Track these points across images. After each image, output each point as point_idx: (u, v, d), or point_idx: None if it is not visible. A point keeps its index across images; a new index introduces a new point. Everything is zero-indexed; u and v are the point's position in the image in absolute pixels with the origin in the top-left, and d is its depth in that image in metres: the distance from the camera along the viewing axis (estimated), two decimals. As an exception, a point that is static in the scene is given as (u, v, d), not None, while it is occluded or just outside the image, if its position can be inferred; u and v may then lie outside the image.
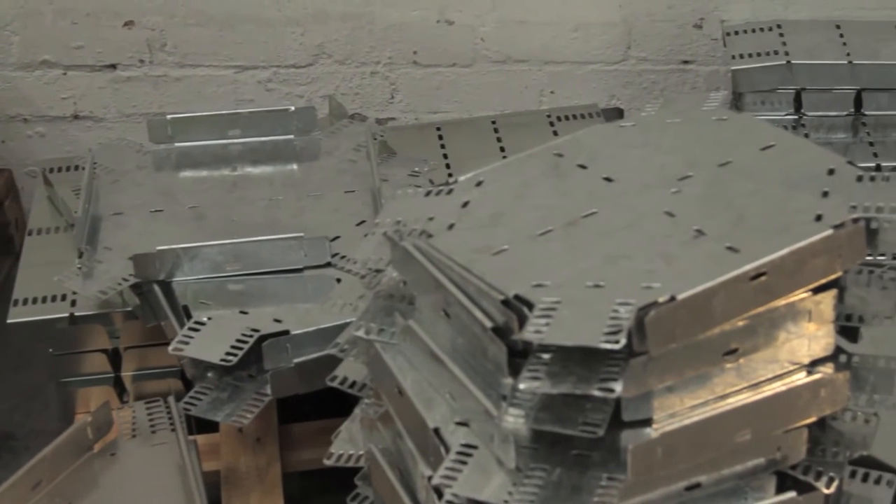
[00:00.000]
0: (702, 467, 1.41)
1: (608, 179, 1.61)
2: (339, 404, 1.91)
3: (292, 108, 2.59)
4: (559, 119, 2.88)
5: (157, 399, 2.10)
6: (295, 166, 2.52)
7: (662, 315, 1.27)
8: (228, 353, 1.93)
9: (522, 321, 1.31)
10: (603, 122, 2.68)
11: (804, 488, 1.46)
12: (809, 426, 1.46)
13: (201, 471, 1.96)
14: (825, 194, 1.45)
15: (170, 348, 1.97)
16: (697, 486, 1.42)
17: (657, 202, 1.52)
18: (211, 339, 1.97)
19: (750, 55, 2.82)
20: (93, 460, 1.98)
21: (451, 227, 1.56)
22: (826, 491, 1.46)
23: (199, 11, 3.05)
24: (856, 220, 1.39)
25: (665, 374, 1.34)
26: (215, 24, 3.07)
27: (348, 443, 1.75)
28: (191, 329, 1.99)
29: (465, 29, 3.11)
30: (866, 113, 2.79)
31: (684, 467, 1.39)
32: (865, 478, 1.53)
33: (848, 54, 2.80)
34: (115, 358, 2.26)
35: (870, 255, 1.45)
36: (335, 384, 1.74)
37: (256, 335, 1.97)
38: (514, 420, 1.34)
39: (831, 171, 1.50)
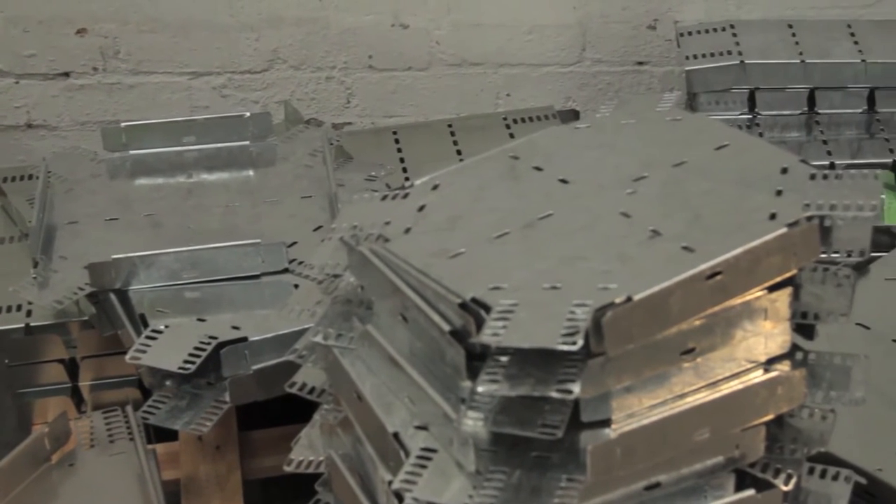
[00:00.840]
0: (661, 467, 1.42)
1: (564, 181, 1.61)
2: (298, 410, 1.91)
3: (247, 113, 2.58)
4: (515, 121, 2.89)
5: (114, 408, 2.09)
6: (251, 172, 2.51)
7: (619, 316, 1.28)
8: (186, 361, 1.92)
9: (480, 324, 1.31)
10: (559, 123, 2.68)
11: (763, 486, 1.47)
12: (767, 424, 1.47)
13: (161, 480, 1.95)
14: (779, 193, 1.45)
15: (127, 357, 1.96)
16: (657, 485, 1.42)
17: (613, 203, 1.52)
18: (168, 348, 1.96)
19: (703, 55, 2.84)
20: (51, 471, 1.96)
21: (407, 231, 1.56)
22: (784, 488, 1.46)
23: (153, 18, 3.04)
24: (809, 219, 1.40)
25: (623, 374, 1.34)
26: (169, 30, 3.06)
27: (308, 449, 1.75)
28: (148, 337, 1.98)
29: (419, 32, 3.11)
30: (819, 111, 2.82)
31: (644, 467, 1.39)
32: (823, 474, 1.54)
33: (801, 53, 2.82)
34: (72, 368, 2.25)
35: (824, 252, 1.46)
36: (294, 390, 1.74)
37: (214, 342, 1.96)
38: (474, 423, 1.33)
39: (785, 170, 1.51)
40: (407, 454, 1.44)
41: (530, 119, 2.90)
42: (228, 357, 1.97)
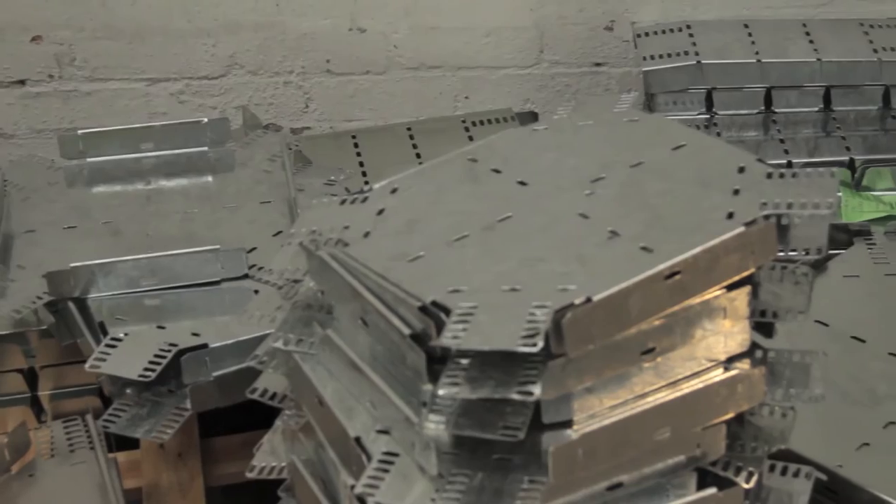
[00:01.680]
0: (623, 467, 1.42)
1: (522, 183, 1.61)
2: (260, 417, 1.90)
3: (205, 119, 2.57)
4: (474, 124, 2.89)
5: (75, 417, 2.08)
6: (209, 178, 2.50)
7: (579, 316, 1.28)
8: (146, 369, 1.92)
9: (440, 327, 1.31)
10: (518, 125, 2.68)
11: (724, 484, 1.47)
12: (728, 422, 1.47)
13: (122, 488, 1.94)
14: (736, 192, 1.46)
15: (86, 366, 1.95)
16: (619, 485, 1.43)
17: (571, 204, 1.52)
18: (128, 355, 1.95)
19: (660, 56, 2.85)
20: (10, 482, 1.95)
21: (366, 235, 1.56)
22: (746, 486, 1.47)
23: (108, 25, 3.02)
24: (767, 217, 1.41)
25: (584, 375, 1.34)
26: (125, 37, 3.04)
27: (270, 455, 1.74)
28: (107, 346, 1.97)
29: (377, 36, 3.11)
30: (776, 110, 2.84)
31: (605, 467, 1.39)
32: (784, 471, 1.55)
33: (757, 53, 2.84)
34: (31, 377, 2.23)
35: (782, 251, 1.46)
36: (255, 396, 1.73)
37: (174, 350, 1.96)
38: (435, 426, 1.33)
39: (742, 169, 1.51)
40: (369, 458, 1.44)
41: (489, 121, 2.90)
42: (189, 364, 1.96)
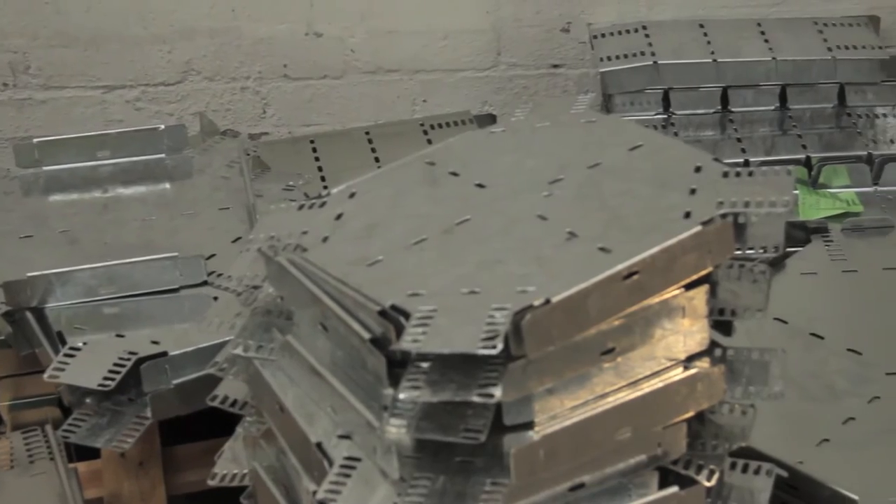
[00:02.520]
0: (584, 467, 1.42)
1: (480, 186, 1.61)
2: (221, 424, 1.89)
3: (162, 126, 2.56)
4: (433, 127, 2.89)
5: (34, 428, 2.06)
6: (167, 185, 2.49)
7: (538, 318, 1.28)
8: (106, 378, 1.90)
9: (400, 331, 1.31)
10: (476, 128, 2.69)
11: (686, 482, 1.48)
12: (688, 421, 1.48)
13: (83, 499, 1.92)
14: (693, 191, 1.47)
15: (45, 375, 1.94)
16: (581, 486, 1.43)
17: (529, 206, 1.52)
18: (87, 365, 1.94)
19: (617, 57, 2.86)
20: (-30, 494, 1.93)
21: (325, 239, 1.55)
22: (707, 484, 1.48)
23: (63, 32, 3.01)
24: (724, 216, 1.41)
25: (544, 376, 1.34)
26: (80, 44, 3.03)
27: (232, 462, 1.74)
28: (66, 355, 1.96)
29: (334, 41, 3.11)
30: (733, 109, 2.85)
31: (567, 468, 1.39)
32: (745, 469, 1.56)
33: (712, 53, 2.85)
34: (-11, 388, 2.22)
35: (739, 249, 1.47)
36: (216, 403, 1.73)
37: (134, 358, 1.95)
38: (396, 430, 1.33)
39: (698, 169, 1.52)
40: (331, 464, 1.43)
41: (447, 125, 2.90)
42: (148, 372, 1.95)
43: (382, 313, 1.35)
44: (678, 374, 1.46)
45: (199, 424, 2.13)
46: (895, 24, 3.09)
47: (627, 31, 2.95)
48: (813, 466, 1.76)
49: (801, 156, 2.73)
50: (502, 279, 1.37)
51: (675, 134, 2.76)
